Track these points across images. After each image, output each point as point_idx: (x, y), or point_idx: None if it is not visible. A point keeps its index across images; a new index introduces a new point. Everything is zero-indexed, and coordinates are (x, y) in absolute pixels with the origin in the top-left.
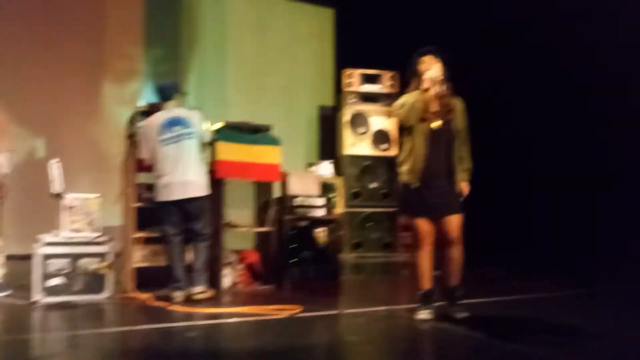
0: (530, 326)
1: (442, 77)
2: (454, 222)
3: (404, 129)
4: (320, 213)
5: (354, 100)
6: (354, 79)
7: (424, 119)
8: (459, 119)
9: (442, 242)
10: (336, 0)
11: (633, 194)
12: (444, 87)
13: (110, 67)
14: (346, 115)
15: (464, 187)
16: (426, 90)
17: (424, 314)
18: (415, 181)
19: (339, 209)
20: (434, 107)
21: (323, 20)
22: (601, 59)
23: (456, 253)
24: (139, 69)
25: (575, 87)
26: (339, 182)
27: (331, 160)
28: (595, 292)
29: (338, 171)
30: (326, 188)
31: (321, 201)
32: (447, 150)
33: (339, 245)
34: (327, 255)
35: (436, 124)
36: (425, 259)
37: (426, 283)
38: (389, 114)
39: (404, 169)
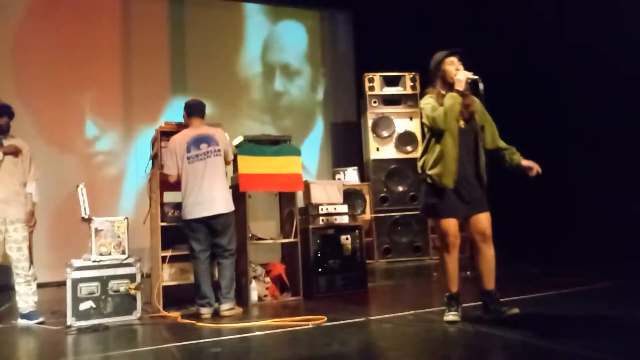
0: (563, 322)
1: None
2: (484, 219)
3: (434, 131)
4: (344, 220)
5: (376, 103)
6: (374, 82)
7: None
8: (483, 117)
9: (472, 243)
10: (354, 5)
11: None
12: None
13: (138, 87)
14: (369, 119)
15: (530, 162)
16: (458, 91)
17: (451, 316)
18: (451, 183)
19: (367, 214)
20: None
21: (341, 25)
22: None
23: (489, 251)
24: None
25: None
26: (365, 188)
27: (355, 167)
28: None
29: (364, 177)
30: (353, 194)
31: (345, 208)
32: (475, 149)
33: (367, 252)
34: (355, 263)
35: (462, 123)
36: (453, 261)
37: (453, 285)
38: (417, 114)
39: (435, 171)
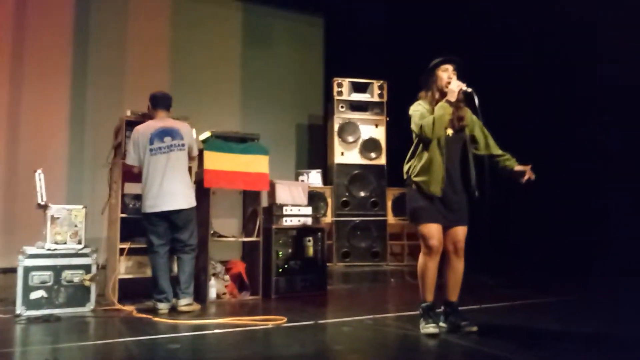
0: (515, 332)
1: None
2: (461, 232)
3: (421, 139)
4: (308, 222)
5: (344, 108)
6: (343, 87)
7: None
8: (474, 127)
9: (446, 253)
10: (325, 10)
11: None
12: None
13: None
14: (335, 124)
15: (523, 167)
16: (450, 102)
17: (431, 328)
18: (439, 192)
19: (328, 217)
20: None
21: (312, 29)
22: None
23: (459, 264)
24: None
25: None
26: (327, 191)
27: (319, 170)
28: (581, 298)
29: (327, 180)
30: (315, 197)
31: (309, 210)
32: (462, 158)
33: (327, 255)
34: (316, 265)
35: (450, 132)
36: (434, 269)
37: (430, 294)
38: (382, 122)
39: (422, 179)
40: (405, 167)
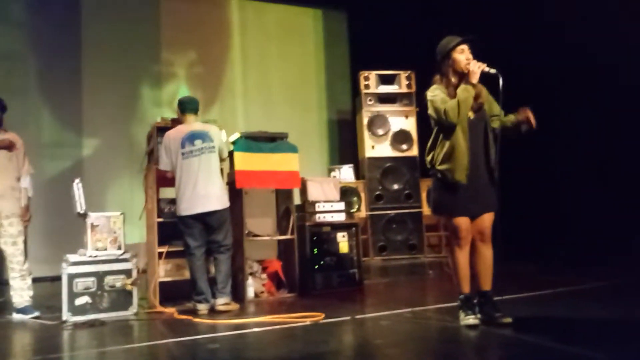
0: (563, 321)
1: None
2: (487, 219)
3: (442, 125)
4: (341, 218)
5: (372, 102)
6: (370, 80)
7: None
8: (490, 105)
9: (473, 241)
10: (348, 4)
11: None
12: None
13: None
14: (365, 117)
15: (521, 113)
16: (472, 82)
17: (471, 319)
18: (464, 179)
19: (362, 212)
20: None
21: (337, 23)
22: None
23: (487, 251)
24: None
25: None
26: (360, 186)
27: (351, 165)
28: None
29: (359, 174)
30: (348, 192)
31: (342, 206)
32: (485, 140)
33: (362, 249)
34: (351, 260)
35: (472, 114)
36: (466, 259)
37: (466, 285)
38: (412, 113)
39: (447, 166)
40: (428, 158)
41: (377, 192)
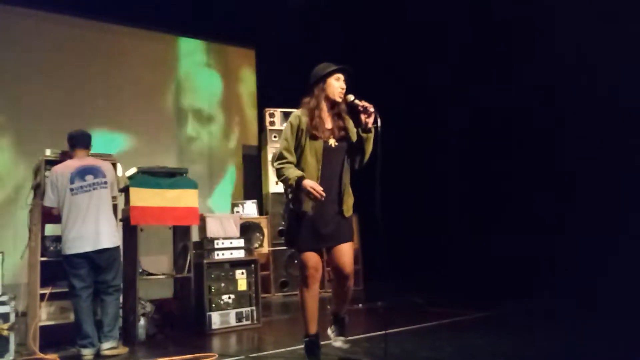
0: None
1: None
2: (346, 252)
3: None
4: (241, 255)
5: (277, 138)
6: (275, 117)
7: (317, 137)
8: (353, 135)
9: (335, 275)
10: (256, 42)
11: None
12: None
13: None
14: (269, 153)
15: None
16: (337, 111)
17: None
18: (310, 209)
19: (265, 248)
20: (330, 124)
21: (245, 60)
22: None
23: (348, 283)
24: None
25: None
26: (264, 221)
27: (254, 200)
28: (502, 314)
29: (263, 210)
30: (251, 227)
31: (241, 242)
32: (340, 171)
33: (263, 285)
34: (249, 297)
35: (333, 142)
36: (313, 297)
37: (313, 326)
38: None
39: (294, 194)
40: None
41: (280, 228)
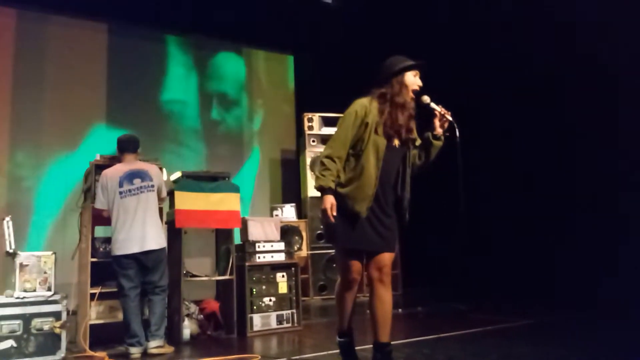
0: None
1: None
2: (388, 258)
3: (355, 149)
4: (281, 258)
5: (315, 142)
6: (314, 122)
7: (384, 134)
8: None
9: (369, 281)
10: (294, 47)
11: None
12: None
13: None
14: (307, 157)
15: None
16: (407, 112)
17: None
18: (365, 211)
19: (303, 251)
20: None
21: (283, 66)
22: None
23: (386, 294)
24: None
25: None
26: (302, 225)
27: (293, 204)
28: (547, 323)
29: (302, 214)
30: (290, 231)
31: (282, 246)
32: (402, 173)
33: (302, 289)
34: (290, 300)
35: (397, 142)
36: (352, 297)
37: (349, 324)
38: None
39: (348, 191)
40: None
41: (318, 231)
